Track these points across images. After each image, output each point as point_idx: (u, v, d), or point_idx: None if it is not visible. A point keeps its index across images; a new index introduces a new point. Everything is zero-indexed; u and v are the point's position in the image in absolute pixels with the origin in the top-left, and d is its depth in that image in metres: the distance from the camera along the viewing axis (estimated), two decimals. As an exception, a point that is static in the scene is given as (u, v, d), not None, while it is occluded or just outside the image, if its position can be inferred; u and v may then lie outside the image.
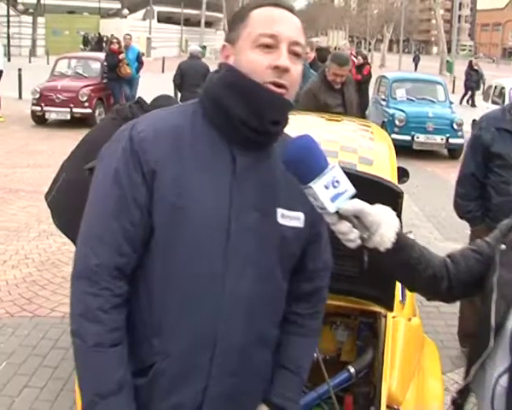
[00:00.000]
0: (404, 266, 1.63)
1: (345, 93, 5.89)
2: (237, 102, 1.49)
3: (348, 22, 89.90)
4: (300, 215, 1.61)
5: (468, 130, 14.90)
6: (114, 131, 1.59)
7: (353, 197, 1.46)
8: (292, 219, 1.59)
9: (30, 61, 33.64)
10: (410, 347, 2.74)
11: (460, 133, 13.09)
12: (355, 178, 2.49)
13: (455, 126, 13.00)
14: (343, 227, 1.46)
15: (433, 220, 8.28)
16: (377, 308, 2.69)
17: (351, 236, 1.47)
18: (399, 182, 4.71)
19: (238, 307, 1.52)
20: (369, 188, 2.45)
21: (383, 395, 2.41)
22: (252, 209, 1.52)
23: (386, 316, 2.66)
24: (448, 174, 11.71)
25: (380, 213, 1.50)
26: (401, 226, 1.59)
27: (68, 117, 14.18)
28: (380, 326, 2.66)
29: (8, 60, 33.48)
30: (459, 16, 70.71)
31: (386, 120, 13.26)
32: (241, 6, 1.71)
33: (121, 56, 14.26)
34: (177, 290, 1.50)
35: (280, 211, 1.57)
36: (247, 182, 1.52)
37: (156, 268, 1.51)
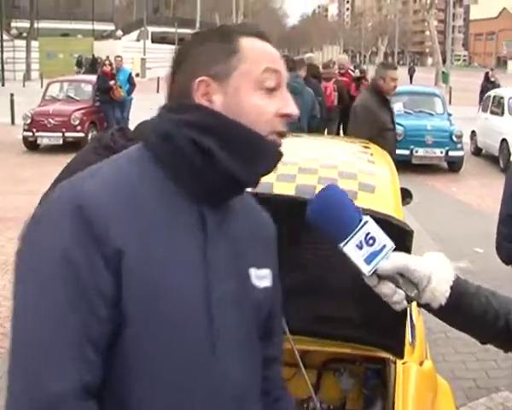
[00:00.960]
0: (466, 318, 1.39)
1: (391, 108, 5.78)
2: (225, 155, 1.19)
3: (342, 36, 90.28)
4: (268, 273, 1.36)
5: (467, 142, 14.77)
6: (96, 161, 1.30)
7: (394, 249, 1.25)
8: (262, 278, 1.34)
9: (24, 86, 33.54)
10: (423, 395, 2.46)
11: (459, 145, 12.87)
12: None
13: (454, 139, 12.77)
14: (385, 289, 1.24)
15: (435, 238, 8.00)
16: (385, 354, 2.42)
17: (395, 298, 1.25)
18: (403, 204, 4.46)
19: (231, 394, 1.26)
20: None
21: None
22: (229, 276, 1.26)
23: (395, 362, 2.39)
24: (449, 188, 11.49)
25: (429, 266, 1.28)
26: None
27: (61, 142, 14.00)
28: (389, 374, 2.39)
29: (2, 85, 33.46)
30: (453, 27, 70.85)
31: (384, 134, 13.02)
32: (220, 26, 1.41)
33: (112, 83, 14.12)
34: (162, 393, 1.18)
35: (253, 272, 1.32)
36: (220, 244, 1.26)
37: (130, 373, 1.16)
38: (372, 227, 1.23)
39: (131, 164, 1.22)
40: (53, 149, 13.99)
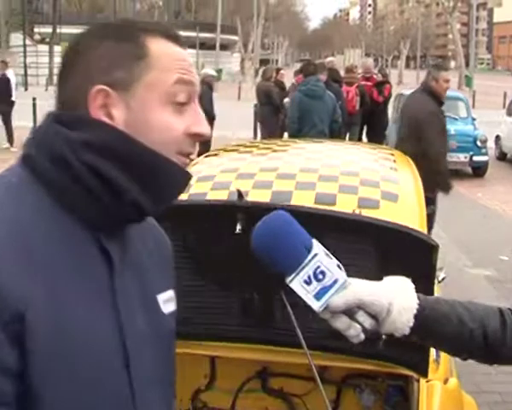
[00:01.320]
0: (438, 342, 1.31)
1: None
2: (128, 182, 1.02)
3: (364, 40, 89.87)
4: (172, 294, 1.21)
5: (492, 146, 14.53)
6: None
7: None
8: (168, 302, 1.19)
9: (46, 90, 33.79)
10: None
11: (484, 150, 12.67)
12: (376, 228, 2.15)
13: (478, 143, 12.58)
14: (338, 324, 1.15)
15: (460, 245, 7.83)
16: (408, 372, 2.31)
17: (351, 332, 1.15)
18: (426, 210, 4.33)
19: None
20: (396, 241, 2.11)
21: None
22: (139, 310, 1.10)
23: (419, 380, 2.27)
24: (474, 194, 11.31)
25: (389, 294, 1.18)
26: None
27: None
28: (412, 392, 2.28)
29: (26, 89, 33.75)
30: (476, 30, 70.21)
31: (406, 139, 12.86)
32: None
33: None
34: None
35: (160, 298, 1.17)
36: (126, 274, 1.08)
37: None
38: (322, 260, 1.12)
39: (13, 194, 0.99)
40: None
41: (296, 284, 1.11)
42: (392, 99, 12.85)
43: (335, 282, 1.12)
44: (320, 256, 1.12)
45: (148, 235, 1.21)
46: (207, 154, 3.38)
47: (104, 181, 1.00)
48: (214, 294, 2.38)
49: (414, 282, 1.29)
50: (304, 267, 1.11)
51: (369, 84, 11.59)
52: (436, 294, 2.31)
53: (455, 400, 2.50)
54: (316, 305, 1.12)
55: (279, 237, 1.12)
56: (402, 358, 2.27)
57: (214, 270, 2.34)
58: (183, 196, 1.95)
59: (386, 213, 2.35)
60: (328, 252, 1.15)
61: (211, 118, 9.93)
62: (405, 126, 5.80)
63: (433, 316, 1.22)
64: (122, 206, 1.02)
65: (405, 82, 50.80)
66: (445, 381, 2.44)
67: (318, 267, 1.11)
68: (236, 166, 2.94)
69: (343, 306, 1.12)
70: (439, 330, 1.24)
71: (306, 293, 1.11)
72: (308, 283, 1.11)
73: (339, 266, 1.15)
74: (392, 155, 3.71)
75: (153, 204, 1.05)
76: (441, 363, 2.49)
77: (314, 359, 2.35)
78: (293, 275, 1.11)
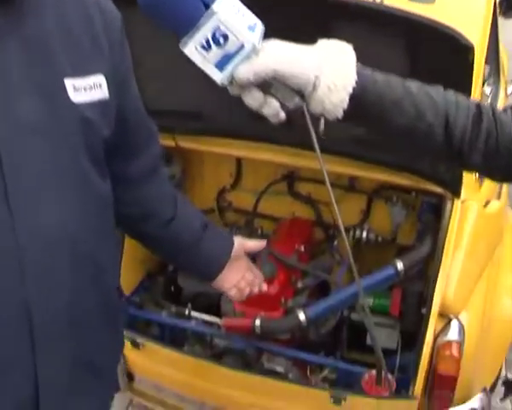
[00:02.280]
0: (386, 133, 1.06)
1: None
2: None
3: None
4: (100, 80, 1.04)
5: None
6: None
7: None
8: (88, 89, 1.02)
9: None
10: (481, 242, 2.14)
11: None
12: (395, 21, 1.74)
13: None
14: (250, 101, 0.94)
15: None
16: (442, 190, 2.09)
17: (265, 111, 0.94)
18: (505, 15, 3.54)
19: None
20: (420, 40, 1.78)
21: (435, 301, 1.91)
22: (30, 93, 0.95)
23: (453, 199, 2.06)
24: None
25: (315, 65, 0.93)
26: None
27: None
28: (444, 211, 2.07)
29: None
30: None
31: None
32: None
33: None
34: None
35: (69, 82, 1.00)
36: (9, 49, 0.93)
37: None
38: (226, 19, 0.89)
39: None
40: None
41: (191, 49, 0.90)
42: None
43: (241, 48, 0.90)
44: (222, 15, 0.89)
45: (78, 12, 1.04)
46: None
47: None
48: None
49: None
50: (199, 28, 0.89)
51: None
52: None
53: (493, 225, 2.28)
54: (217, 76, 0.92)
55: None
56: (434, 173, 2.04)
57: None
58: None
59: (440, 11, 1.99)
60: (243, 8, 0.91)
61: None
62: None
63: (377, 102, 0.97)
64: None
65: None
66: (486, 203, 2.21)
67: (218, 29, 0.89)
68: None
69: (252, 78, 0.91)
70: (384, 120, 1.00)
71: (205, 61, 0.91)
72: (206, 48, 0.90)
73: (252, 27, 0.91)
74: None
75: None
76: (485, 182, 2.25)
77: (345, 168, 2.20)
78: (185, 38, 0.90)
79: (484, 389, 2.09)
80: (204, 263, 1.48)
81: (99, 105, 1.05)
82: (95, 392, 1.19)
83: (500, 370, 2.38)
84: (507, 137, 0.99)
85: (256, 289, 1.66)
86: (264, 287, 1.71)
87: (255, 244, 1.61)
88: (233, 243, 1.51)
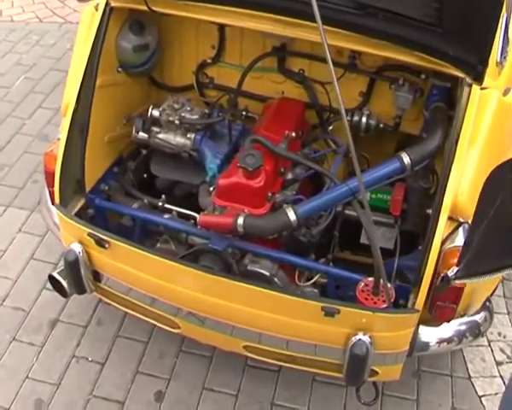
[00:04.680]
0: None
1: None
2: None
3: None
4: None
5: None
6: None
7: None
8: None
9: None
10: (500, 136, 1.85)
11: None
12: None
13: None
14: None
15: None
16: (460, 73, 1.77)
17: None
18: None
19: None
20: None
21: (445, 201, 1.66)
22: None
23: (471, 85, 1.75)
24: None
25: None
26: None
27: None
28: (460, 98, 1.77)
29: None
30: None
31: None
32: None
33: None
34: None
35: None
36: None
37: None
38: None
39: None
40: None
41: None
42: None
43: None
44: None
45: None
46: None
47: None
48: None
49: None
50: None
51: None
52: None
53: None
54: None
55: None
56: (455, 53, 1.72)
57: None
58: None
59: None
60: None
61: None
62: None
63: None
64: None
65: None
66: (506, 92, 1.90)
67: None
68: None
69: None
70: None
71: None
72: None
73: None
74: None
75: None
76: (506, 68, 1.93)
77: (349, 42, 1.87)
78: None
79: (486, 301, 1.92)
80: None
81: None
82: None
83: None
84: None
85: None
86: None
87: None
88: None
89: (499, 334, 2.39)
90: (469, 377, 2.27)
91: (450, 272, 1.62)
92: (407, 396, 2.20)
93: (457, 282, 1.62)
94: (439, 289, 1.67)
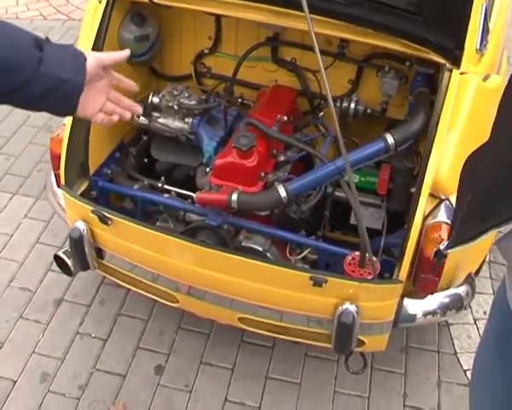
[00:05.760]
0: None
1: None
2: None
3: None
4: None
5: None
6: None
7: None
8: None
9: None
10: (479, 119, 1.96)
11: None
12: None
13: None
14: None
15: None
16: (440, 59, 1.89)
17: None
18: None
19: None
20: None
21: (426, 179, 1.77)
22: None
23: (451, 70, 1.88)
24: None
25: None
26: None
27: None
28: (440, 82, 1.89)
29: None
30: None
31: None
32: None
33: None
34: None
35: None
36: None
37: None
38: None
39: None
40: None
41: None
42: None
43: None
44: None
45: None
46: None
47: None
48: None
49: None
50: None
51: None
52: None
53: (493, 101, 2.09)
54: None
55: None
56: (435, 39, 1.84)
57: None
58: None
59: None
60: None
61: None
62: None
63: None
64: None
65: None
66: (485, 77, 2.02)
67: None
68: None
69: None
70: None
71: None
72: None
73: None
74: None
75: None
76: (486, 55, 2.05)
77: (335, 31, 1.99)
78: None
79: (469, 275, 2.01)
80: (54, 88, 1.14)
81: None
82: None
83: (486, 255, 2.31)
84: None
85: (126, 110, 1.36)
86: (139, 110, 1.42)
87: (114, 55, 1.30)
88: (85, 59, 1.19)
89: (484, 313, 2.49)
90: (455, 352, 2.36)
91: (442, 246, 1.73)
92: (395, 370, 2.30)
93: (449, 251, 1.74)
94: (438, 263, 1.77)
